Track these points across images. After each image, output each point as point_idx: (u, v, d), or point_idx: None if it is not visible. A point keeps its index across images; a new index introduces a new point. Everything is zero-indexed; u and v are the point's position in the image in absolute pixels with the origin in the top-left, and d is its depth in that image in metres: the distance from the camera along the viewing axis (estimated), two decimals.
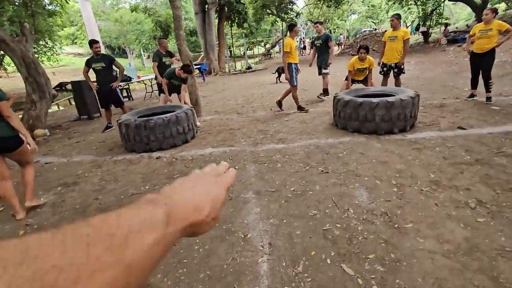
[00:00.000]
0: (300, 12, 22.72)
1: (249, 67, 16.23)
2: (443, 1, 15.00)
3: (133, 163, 3.53)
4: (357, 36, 26.09)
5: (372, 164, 2.79)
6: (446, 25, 15.78)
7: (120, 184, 2.98)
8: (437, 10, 15.55)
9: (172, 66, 5.37)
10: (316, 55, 6.12)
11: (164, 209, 0.29)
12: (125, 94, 9.20)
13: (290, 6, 19.64)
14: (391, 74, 5.19)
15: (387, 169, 2.67)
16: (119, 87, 5.70)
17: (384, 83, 5.27)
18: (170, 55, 5.55)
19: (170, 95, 4.94)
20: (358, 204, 2.14)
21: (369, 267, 1.56)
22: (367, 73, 4.99)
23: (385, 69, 5.19)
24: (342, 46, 22.17)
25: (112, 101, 5.21)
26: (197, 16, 14.21)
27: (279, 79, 9.46)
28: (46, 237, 0.21)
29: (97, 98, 5.89)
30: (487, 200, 2.04)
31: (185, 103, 4.86)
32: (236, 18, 15.97)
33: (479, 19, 13.43)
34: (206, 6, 13.68)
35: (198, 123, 4.74)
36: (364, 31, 26.07)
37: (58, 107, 10.42)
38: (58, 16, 11.01)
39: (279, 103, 5.39)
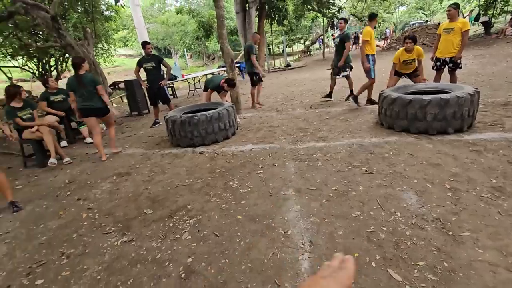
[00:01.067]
0: (342, 6, 21.84)
1: (288, 65, 16.10)
2: None
3: (178, 157, 3.74)
4: (405, 29, 24.30)
5: (422, 166, 2.60)
6: None
7: (167, 176, 3.19)
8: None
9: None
10: (335, 55, 5.64)
11: None
12: (170, 92, 9.75)
13: (332, 1, 18.98)
14: (446, 69, 4.74)
15: (439, 172, 2.47)
16: (166, 85, 6.06)
17: (437, 78, 4.82)
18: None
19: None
20: (406, 207, 2.02)
21: (418, 275, 1.46)
22: (416, 66, 4.53)
23: (438, 63, 4.73)
24: (388, 41, 20.83)
25: (160, 99, 5.58)
26: (238, 15, 14.45)
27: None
28: None
29: (146, 95, 6.35)
30: None
31: (226, 100, 5.00)
32: (276, 15, 15.90)
33: None
34: (247, 5, 13.84)
35: (238, 120, 4.85)
36: (414, 24, 24.17)
37: (112, 104, 11.43)
38: (113, 21, 12.06)
39: (355, 98, 5.02)
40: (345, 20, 5.48)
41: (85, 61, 3.88)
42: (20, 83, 9.93)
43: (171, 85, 9.70)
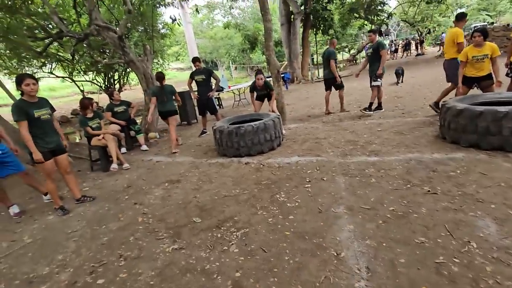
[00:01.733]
0: (392, 12, 20.76)
1: None
2: None
3: (224, 167, 3.82)
4: (466, 33, 22.07)
5: (500, 189, 2.25)
6: None
7: (214, 185, 3.26)
8: None
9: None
10: (368, 65, 5.51)
11: None
12: (217, 102, 10.16)
13: (381, 7, 18.15)
14: None
15: None
16: (214, 96, 6.32)
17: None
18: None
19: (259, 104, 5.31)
20: (484, 237, 1.74)
21: None
22: (489, 67, 3.86)
23: None
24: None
25: (208, 109, 5.83)
26: (283, 27, 14.64)
27: (400, 81, 8.96)
28: None
29: (196, 106, 6.69)
30: None
31: (272, 111, 5.02)
32: (322, 25, 15.71)
33: None
34: (292, 16, 13.96)
35: (284, 131, 4.81)
36: (475, 27, 21.87)
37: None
38: (168, 37, 13.11)
39: (436, 105, 4.65)
40: (374, 32, 5.34)
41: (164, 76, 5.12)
42: (89, 95, 11.29)
43: (218, 96, 10.11)
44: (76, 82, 12.38)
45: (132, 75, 13.72)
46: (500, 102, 3.42)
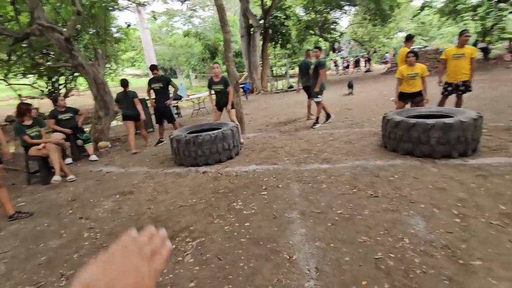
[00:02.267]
0: (344, 32, 22.63)
1: (291, 86, 16.39)
2: (506, 15, 13.72)
3: (181, 176, 3.73)
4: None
5: (429, 191, 2.58)
6: (511, 40, 14.32)
7: (170, 195, 3.17)
8: (499, 25, 14.23)
9: None
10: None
11: None
12: (175, 111, 9.91)
13: (334, 26, 19.72)
14: (450, 94, 4.76)
15: (446, 197, 2.44)
16: (171, 105, 6.17)
17: (442, 103, 4.84)
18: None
19: (220, 109, 5.21)
20: (414, 233, 1.98)
21: None
22: (420, 86, 4.44)
23: (450, 88, 4.73)
24: (388, 65, 21.32)
25: (166, 117, 5.68)
26: (243, 39, 14.99)
27: (351, 92, 10.24)
28: None
29: (153, 114, 6.46)
30: None
31: (231, 120, 5.07)
32: (280, 39, 16.47)
33: None
34: (252, 29, 14.39)
35: (242, 140, 4.88)
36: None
37: (117, 122, 11.58)
38: (123, 42, 12.52)
39: None
40: (320, 49, 5.70)
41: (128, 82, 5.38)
42: (28, 100, 10.17)
43: (176, 104, 9.88)
44: (12, 85, 11.07)
45: (81, 80, 12.73)
46: (429, 115, 3.93)
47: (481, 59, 14.41)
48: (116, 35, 12.10)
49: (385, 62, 24.04)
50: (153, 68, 5.54)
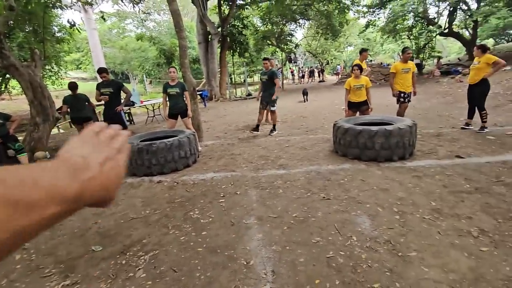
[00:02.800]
0: (299, 43, 23.83)
1: (249, 94, 16.66)
2: (435, 36, 15.85)
3: (133, 187, 3.52)
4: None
5: (374, 191, 2.81)
6: (439, 58, 16.53)
7: (120, 208, 2.96)
8: (430, 44, 16.36)
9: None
10: (262, 91, 5.76)
11: (80, 185, 0.29)
12: (127, 118, 9.35)
13: (289, 38, 20.65)
14: (405, 101, 5.22)
15: (388, 196, 2.68)
16: (123, 111, 5.82)
17: (402, 112, 5.20)
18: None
19: (173, 116, 4.97)
20: (361, 231, 2.14)
21: None
22: (365, 96, 4.88)
23: (404, 95, 5.15)
24: (339, 76, 22.96)
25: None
26: (200, 45, 14.85)
27: (306, 100, 11.23)
28: None
29: (102, 121, 6.00)
30: (489, 229, 2.05)
31: (188, 128, 4.95)
32: (238, 48, 16.69)
33: (469, 53, 14.14)
34: (209, 36, 14.36)
35: (199, 148, 4.79)
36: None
37: (59, 130, 10.50)
38: (66, 42, 11.49)
39: None
40: (269, 60, 5.67)
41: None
42: None
43: (128, 110, 9.34)
44: None
45: (14, 83, 11.33)
46: (374, 123, 4.32)
47: (416, 74, 16.37)
48: (58, 34, 11.06)
49: (337, 74, 25.84)
50: (101, 71, 5.13)
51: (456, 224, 2.14)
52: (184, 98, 4.87)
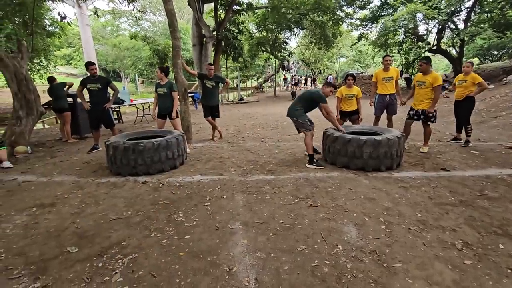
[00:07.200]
0: (292, 51, 24.10)
1: (241, 99, 16.67)
2: (424, 52, 16.33)
3: (117, 187, 3.40)
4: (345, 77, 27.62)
5: (361, 200, 2.81)
6: None
7: (101, 208, 2.84)
8: (419, 59, 16.83)
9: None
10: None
11: None
12: (115, 116, 9.14)
13: (284, 46, 20.86)
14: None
15: (375, 206, 2.68)
16: (112, 109, 5.68)
17: (408, 128, 4.96)
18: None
19: (161, 116, 4.94)
20: (347, 240, 2.11)
21: None
22: (356, 105, 4.95)
23: (411, 112, 4.84)
24: None
25: (103, 122, 5.17)
26: (195, 48, 14.80)
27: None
28: None
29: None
30: (473, 242, 2.06)
31: (176, 129, 4.87)
32: (232, 52, 16.72)
33: (455, 70, 14.63)
34: (204, 39, 14.33)
35: (188, 150, 4.71)
36: (352, 73, 27.68)
37: (44, 125, 10.17)
38: (56, 37, 11.22)
39: None
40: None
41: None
42: None
43: (117, 109, 9.14)
44: None
45: None
46: (363, 132, 4.35)
47: (405, 87, 16.77)
48: (49, 28, 10.79)
49: None
50: (88, 64, 4.99)
51: (440, 236, 2.15)
52: (173, 99, 4.83)
